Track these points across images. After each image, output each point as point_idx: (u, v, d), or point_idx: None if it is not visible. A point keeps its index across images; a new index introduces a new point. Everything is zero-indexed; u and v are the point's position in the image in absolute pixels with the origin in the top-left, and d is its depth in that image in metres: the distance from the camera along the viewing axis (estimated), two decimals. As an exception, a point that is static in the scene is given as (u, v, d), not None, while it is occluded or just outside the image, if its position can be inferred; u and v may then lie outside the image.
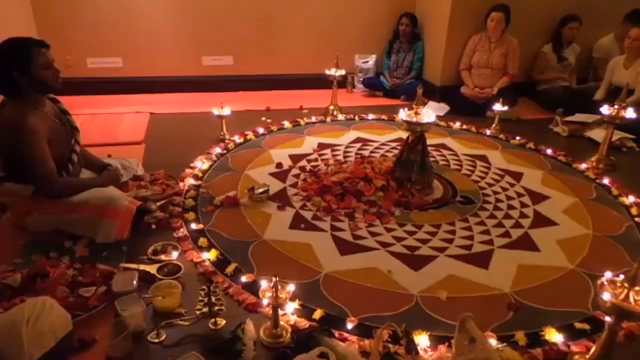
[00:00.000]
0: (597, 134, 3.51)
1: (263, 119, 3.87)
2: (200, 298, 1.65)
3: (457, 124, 3.89)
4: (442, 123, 3.89)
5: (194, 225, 2.28)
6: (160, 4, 4.34)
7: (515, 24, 4.16)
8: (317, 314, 1.73)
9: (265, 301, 1.56)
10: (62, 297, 1.65)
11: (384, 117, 4.03)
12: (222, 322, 1.66)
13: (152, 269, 1.89)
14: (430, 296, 1.87)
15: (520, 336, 1.66)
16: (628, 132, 3.51)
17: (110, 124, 3.66)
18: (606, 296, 1.37)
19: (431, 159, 2.93)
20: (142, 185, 2.37)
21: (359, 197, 2.58)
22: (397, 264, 2.07)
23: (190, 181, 2.73)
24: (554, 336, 1.67)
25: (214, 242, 2.17)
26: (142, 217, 2.21)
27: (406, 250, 2.17)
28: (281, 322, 1.63)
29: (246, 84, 4.73)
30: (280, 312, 1.66)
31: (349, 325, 1.68)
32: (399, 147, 2.94)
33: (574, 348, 1.62)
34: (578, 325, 1.73)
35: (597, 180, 2.96)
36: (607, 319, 1.43)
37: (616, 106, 3.03)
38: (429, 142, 2.80)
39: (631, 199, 2.70)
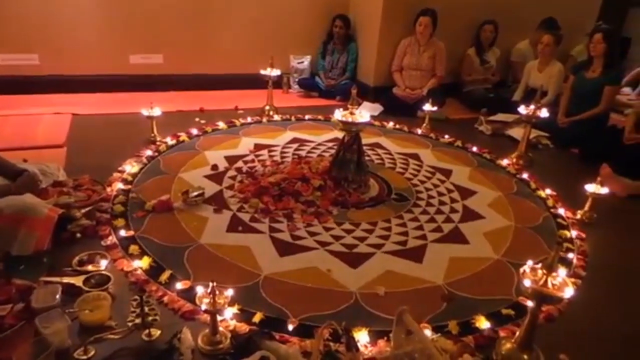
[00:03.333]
0: (517, 133, 3.77)
1: (197, 119, 3.76)
2: (132, 309, 1.56)
3: (391, 124, 4.01)
4: (377, 123, 3.99)
5: (123, 232, 2.16)
6: (82, -4, 4.08)
7: (442, 28, 4.36)
8: (257, 317, 1.71)
9: (202, 308, 1.51)
10: (-28, 317, 1.49)
11: (320, 117, 4.06)
12: (156, 332, 1.58)
13: (77, 280, 1.77)
14: (368, 292, 1.91)
15: (453, 325, 1.74)
16: (543, 131, 3.81)
17: (25, 126, 3.37)
18: (527, 283, 1.47)
19: (367, 158, 3.00)
20: (64, 192, 2.21)
21: (296, 197, 2.58)
22: (336, 262, 2.10)
23: (119, 186, 2.59)
24: (484, 323, 1.77)
25: (146, 249, 2.07)
26: (65, 226, 2.06)
27: (344, 249, 2.20)
28: (220, 328, 1.59)
29: (178, 84, 4.56)
30: (219, 317, 1.61)
31: (290, 327, 1.68)
32: (335, 147, 2.97)
33: (501, 333, 1.73)
34: (504, 311, 1.85)
35: (517, 175, 3.19)
36: (529, 303, 1.54)
37: (532, 106, 3.28)
38: (364, 141, 2.86)
39: (547, 191, 2.93)
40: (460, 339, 1.68)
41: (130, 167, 2.81)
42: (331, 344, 1.57)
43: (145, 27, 4.36)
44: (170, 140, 3.28)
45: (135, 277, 1.88)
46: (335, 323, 1.49)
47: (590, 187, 2.61)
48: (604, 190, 2.61)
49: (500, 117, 4.12)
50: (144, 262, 1.96)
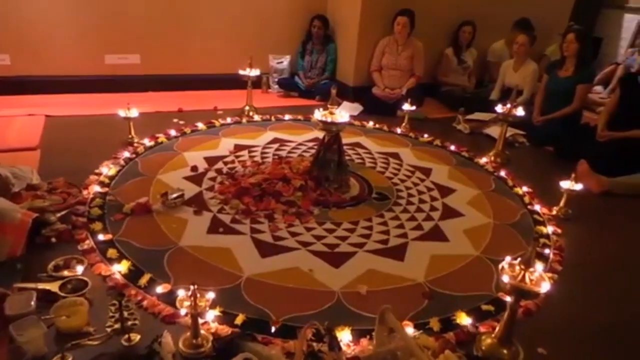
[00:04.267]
0: (494, 131, 3.84)
1: (175, 120, 3.71)
2: (111, 314, 1.54)
3: (371, 124, 4.03)
4: (357, 123, 4.01)
5: (101, 236, 2.12)
6: (55, -5, 3.98)
7: (420, 28, 4.41)
8: (239, 319, 1.69)
9: (183, 311, 1.49)
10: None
11: (300, 117, 4.05)
12: (136, 337, 1.55)
13: (53, 286, 1.72)
14: (350, 292, 1.91)
15: (434, 322, 1.76)
16: (519, 129, 3.88)
17: (-3, 129, 3.28)
18: (506, 278, 1.49)
19: (347, 157, 3.01)
20: (38, 195, 2.15)
21: (277, 197, 2.57)
22: (318, 262, 2.10)
23: (96, 188, 2.53)
24: (464, 319, 1.79)
25: (125, 252, 2.03)
26: (39, 231, 2.01)
27: (326, 248, 2.20)
28: (201, 332, 1.57)
29: (155, 84, 4.49)
30: (200, 320, 1.59)
31: (272, 328, 1.67)
32: (315, 147, 2.97)
33: (481, 329, 1.76)
34: (484, 307, 1.88)
35: (495, 173, 3.24)
36: (508, 299, 1.57)
37: (508, 105, 3.34)
38: (344, 141, 2.86)
39: (524, 189, 2.99)
40: (441, 335, 1.70)
41: (107, 170, 2.76)
42: (314, 344, 1.57)
43: (122, 27, 4.29)
44: (148, 142, 3.22)
45: (113, 282, 1.84)
46: (317, 323, 1.49)
47: (565, 184, 2.67)
48: (579, 187, 2.67)
49: (477, 116, 4.18)
50: (122, 266, 1.93)
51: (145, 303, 1.74)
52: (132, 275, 1.89)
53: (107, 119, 3.44)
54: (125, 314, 1.53)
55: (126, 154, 2.99)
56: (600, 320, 1.90)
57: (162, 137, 3.32)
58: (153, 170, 2.83)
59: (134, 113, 3.13)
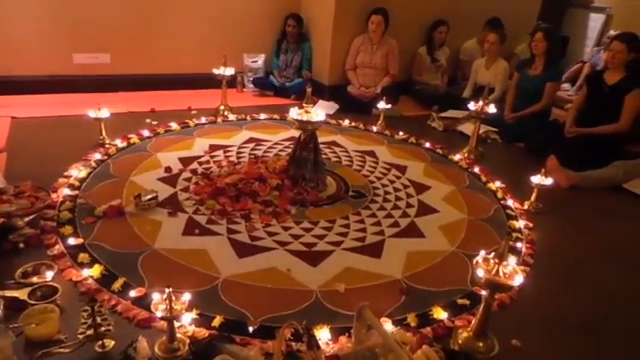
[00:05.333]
0: (467, 128, 3.90)
1: (148, 121, 3.63)
2: (84, 320, 1.49)
3: (347, 122, 4.05)
4: (333, 121, 4.01)
5: (72, 241, 2.06)
6: (19, -7, 3.85)
7: (394, 27, 4.45)
8: (217, 321, 1.67)
9: (159, 315, 1.46)
10: None
11: (276, 116, 4.03)
12: (110, 343, 1.52)
13: (21, 294, 1.66)
14: (329, 290, 1.91)
15: (412, 318, 1.78)
16: (492, 126, 3.96)
17: (-41, 131, 3.15)
18: (480, 273, 1.52)
19: (324, 156, 3.01)
20: (5, 200, 2.07)
21: (254, 197, 2.55)
22: (296, 262, 2.09)
23: (66, 192, 2.46)
24: (441, 314, 1.82)
25: (98, 257, 1.98)
26: (6, 236, 1.94)
27: (304, 248, 2.20)
28: (178, 335, 1.54)
29: (127, 85, 4.39)
30: (177, 324, 1.57)
31: (251, 329, 1.65)
32: (292, 146, 2.96)
33: (458, 323, 1.79)
34: (460, 301, 1.91)
35: (469, 170, 3.30)
36: (483, 293, 1.60)
37: (481, 103, 3.40)
38: (320, 140, 2.86)
39: (497, 184, 3.06)
40: (419, 331, 1.72)
41: (78, 172, 2.68)
42: (293, 344, 1.56)
43: (91, 25, 4.17)
44: (120, 143, 3.15)
45: (85, 287, 1.79)
46: (296, 323, 1.49)
47: (536, 179, 2.74)
48: (549, 182, 2.75)
49: (451, 113, 4.25)
50: (95, 271, 1.88)
51: (119, 308, 1.70)
52: (105, 280, 1.84)
53: (77, 120, 3.35)
54: (99, 319, 1.48)
55: (97, 156, 2.92)
56: (572, 310, 1.96)
57: (134, 138, 3.26)
58: (126, 172, 2.77)
59: (105, 114, 3.06)
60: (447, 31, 4.82)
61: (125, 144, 3.16)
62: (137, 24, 4.35)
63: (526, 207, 2.77)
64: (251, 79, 4.82)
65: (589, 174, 3.18)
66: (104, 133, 3.11)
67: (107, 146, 3.07)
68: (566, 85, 5.60)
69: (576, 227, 2.71)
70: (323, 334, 1.64)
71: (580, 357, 1.72)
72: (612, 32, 5.02)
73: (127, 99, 4.17)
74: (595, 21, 6.50)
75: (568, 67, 5.80)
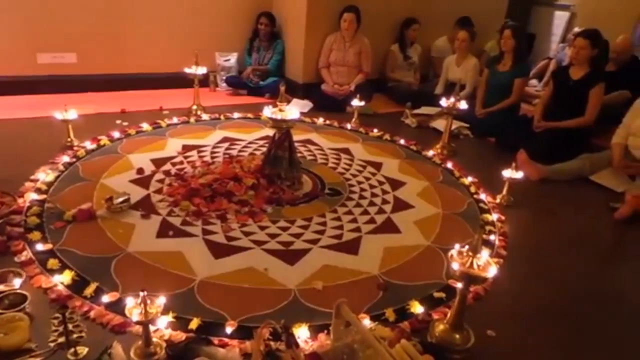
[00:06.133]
0: (440, 124, 3.96)
1: (118, 122, 3.55)
2: (54, 327, 1.45)
3: (321, 120, 4.05)
4: (307, 119, 4.01)
5: (40, 246, 1.99)
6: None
7: (366, 25, 4.47)
8: (194, 323, 1.65)
9: (133, 319, 1.43)
10: None
11: (249, 115, 4.00)
12: (83, 350, 1.48)
13: (-13, 303, 1.60)
14: (307, 288, 1.91)
15: (389, 313, 1.80)
16: (463, 122, 4.03)
17: None
18: (455, 266, 1.55)
19: (299, 154, 3.00)
20: (-33, 206, 1.99)
21: (229, 197, 2.53)
22: (272, 260, 2.08)
23: (33, 196, 2.38)
24: (418, 308, 1.84)
25: (68, 262, 1.92)
26: (-31, 244, 1.86)
27: (281, 246, 2.19)
28: (154, 339, 1.52)
29: (95, 85, 4.28)
30: (153, 328, 1.54)
31: (229, 330, 1.64)
32: (266, 145, 2.94)
33: (434, 316, 1.81)
34: (436, 294, 1.94)
35: (442, 165, 3.35)
36: (458, 285, 1.63)
37: (452, 99, 3.46)
38: (295, 138, 2.86)
39: (470, 179, 3.11)
40: (397, 325, 1.73)
41: (45, 176, 2.60)
42: (272, 343, 1.56)
43: (55, 23, 4.04)
44: (89, 145, 3.07)
45: (55, 294, 1.74)
46: (274, 322, 1.48)
47: (507, 173, 2.81)
48: (519, 175, 2.82)
49: (424, 110, 4.30)
50: (65, 277, 1.83)
51: (92, 314, 1.66)
52: (77, 286, 1.79)
53: (43, 122, 3.24)
54: (70, 326, 1.44)
55: (65, 159, 2.84)
56: (545, 299, 2.02)
57: (104, 140, 3.17)
58: (96, 175, 2.70)
59: (72, 115, 2.97)
60: (418, 28, 4.87)
61: (94, 146, 3.08)
62: (105, 22, 4.23)
63: (498, 200, 2.83)
64: (224, 77, 4.77)
65: (557, 166, 3.27)
66: (71, 135, 3.02)
67: (75, 148, 2.99)
68: (534, 81, 5.75)
69: (546, 218, 2.79)
70: (302, 332, 1.64)
71: (552, 342, 1.77)
72: (576, 29, 5.17)
73: (96, 99, 4.07)
74: (560, 18, 6.70)
75: (535, 64, 5.96)
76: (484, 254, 1.57)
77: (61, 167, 2.73)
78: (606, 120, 3.61)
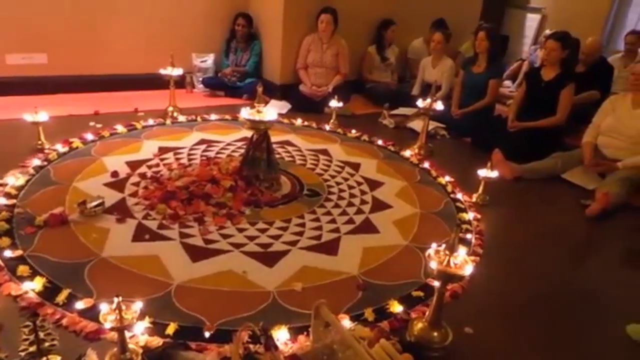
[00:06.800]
0: (417, 125, 4.00)
1: (92, 124, 3.47)
2: (25, 336, 1.40)
3: (299, 121, 4.04)
4: (285, 120, 4.00)
5: (9, 253, 1.93)
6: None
7: (343, 26, 4.48)
8: (171, 328, 1.63)
9: (108, 326, 1.40)
10: None
11: (227, 116, 3.96)
12: (56, 359, 1.43)
13: (-47, 312, 1.54)
14: (286, 290, 1.90)
15: (369, 313, 1.81)
16: (440, 122, 4.08)
17: None
18: (433, 265, 1.56)
19: (277, 155, 2.99)
20: None
21: (207, 200, 2.50)
22: (251, 263, 2.06)
23: (1, 201, 2.31)
24: (397, 307, 1.85)
25: (39, 268, 1.87)
26: None
27: (259, 248, 2.17)
28: (130, 345, 1.48)
29: (67, 86, 4.16)
30: (128, 334, 1.50)
31: (207, 334, 1.62)
32: (244, 147, 2.92)
33: (413, 315, 1.83)
34: (414, 293, 1.96)
35: (420, 165, 3.39)
36: (436, 284, 1.65)
37: (429, 100, 3.50)
38: (273, 139, 2.84)
39: (447, 178, 3.15)
40: (376, 325, 1.74)
41: (14, 180, 2.52)
42: (251, 346, 1.54)
43: (24, 23, 3.92)
44: (61, 148, 2.99)
45: (26, 301, 1.69)
46: (252, 324, 1.47)
47: (482, 172, 2.85)
48: (494, 174, 2.87)
49: (401, 111, 4.34)
50: (36, 284, 1.77)
51: (64, 321, 1.62)
52: (48, 293, 1.74)
53: (12, 124, 3.15)
54: (42, 335, 1.40)
55: (36, 162, 2.76)
56: (520, 295, 2.06)
57: (77, 142, 3.10)
58: (68, 178, 2.63)
59: (43, 117, 2.89)
60: (395, 30, 4.92)
61: (66, 149, 3.00)
62: (76, 21, 4.13)
63: (474, 199, 2.88)
64: (200, 78, 4.71)
65: (530, 165, 3.35)
66: (42, 137, 2.94)
67: (46, 151, 2.91)
68: (507, 82, 5.87)
69: (520, 216, 2.85)
70: (281, 334, 1.63)
71: (528, 337, 1.81)
72: (547, 31, 5.31)
73: (68, 100, 3.96)
74: (532, 21, 6.87)
75: (509, 65, 6.09)
76: (461, 252, 1.59)
77: (31, 171, 2.65)
78: (577, 119, 3.73)
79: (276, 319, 1.70)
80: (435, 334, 1.68)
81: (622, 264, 2.50)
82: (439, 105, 3.51)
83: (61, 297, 1.72)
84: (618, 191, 2.90)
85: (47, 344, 1.40)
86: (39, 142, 2.93)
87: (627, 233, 2.68)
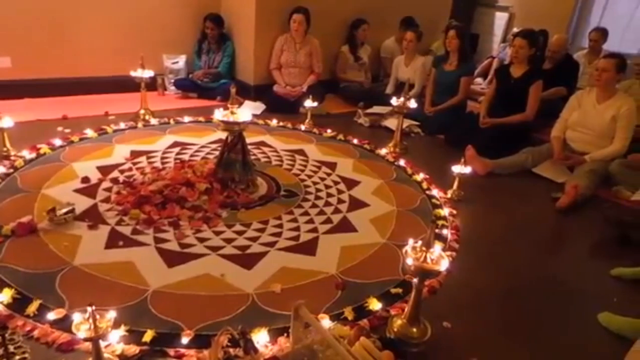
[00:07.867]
0: (391, 123, 4.04)
1: (60, 129, 3.37)
2: (-7, 351, 1.35)
3: (274, 121, 4.02)
4: (260, 121, 3.97)
5: (-25, 265, 1.86)
6: None
7: (316, 26, 4.49)
8: (148, 335, 1.59)
9: (81, 336, 1.36)
10: None
11: (200, 118, 3.92)
12: (27, 373, 1.39)
13: None
14: (265, 292, 1.89)
15: (348, 312, 1.81)
16: (413, 120, 4.13)
17: None
18: (410, 261, 1.58)
19: (252, 157, 2.97)
20: None
21: (182, 203, 2.46)
22: (229, 266, 2.04)
23: (-35, 211, 2.22)
24: (376, 305, 1.87)
25: (7, 279, 1.80)
26: None
27: (237, 251, 2.15)
28: (106, 355, 1.45)
29: (32, 90, 4.03)
30: (104, 343, 1.47)
31: (185, 340, 1.59)
32: (219, 148, 2.89)
33: (392, 311, 1.84)
34: (393, 290, 1.98)
35: (395, 163, 3.42)
36: (414, 280, 1.66)
37: (402, 98, 3.54)
38: (248, 140, 2.83)
39: (422, 175, 3.19)
40: (356, 323, 1.75)
41: (-22, 188, 2.43)
42: (230, 350, 1.53)
43: (-15, 26, 3.79)
44: (28, 154, 2.89)
45: (-6, 314, 1.62)
46: (231, 328, 1.45)
47: (456, 168, 2.90)
48: (467, 170, 2.92)
49: (376, 109, 4.37)
50: (4, 295, 1.71)
51: (36, 333, 1.56)
52: (18, 304, 1.68)
53: (-25, 130, 3.02)
54: (11, 348, 1.35)
55: (1, 169, 2.66)
56: (496, 289, 2.10)
57: (45, 148, 3.00)
58: (36, 185, 2.55)
59: (7, 122, 2.80)
60: (367, 29, 4.95)
61: (34, 155, 2.91)
62: (42, 23, 4.01)
63: (449, 195, 2.92)
64: (172, 80, 4.64)
65: (501, 160, 3.42)
66: (7, 144, 2.84)
67: (12, 158, 2.81)
68: (479, 79, 5.99)
69: (494, 210, 2.90)
70: (261, 336, 1.62)
71: (504, 328, 1.85)
72: (515, 29, 5.43)
73: (34, 105, 3.85)
74: (500, 19, 7.03)
75: (479, 63, 6.21)
76: (437, 248, 1.61)
77: (-3, 179, 2.56)
78: (545, 114, 3.83)
79: (256, 322, 1.69)
80: (415, 329, 1.69)
81: (591, 254, 2.58)
82: (413, 104, 3.55)
83: (32, 309, 1.66)
84: (586, 183, 3.00)
85: (17, 357, 1.36)
86: (5, 149, 2.83)
87: (595, 224, 2.77)
